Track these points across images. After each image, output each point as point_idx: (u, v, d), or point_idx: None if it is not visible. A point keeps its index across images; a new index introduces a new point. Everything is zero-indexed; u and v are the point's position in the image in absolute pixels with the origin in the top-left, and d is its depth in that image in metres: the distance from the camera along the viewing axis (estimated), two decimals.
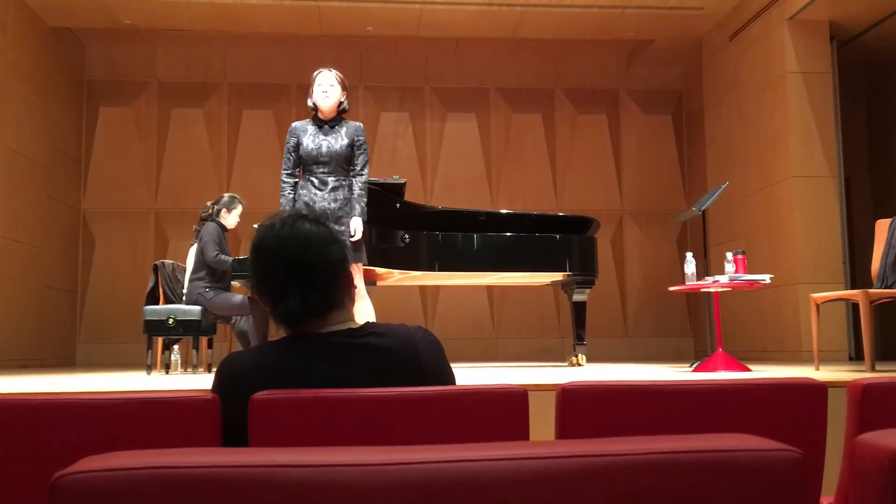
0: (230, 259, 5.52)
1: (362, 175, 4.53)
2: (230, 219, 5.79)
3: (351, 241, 4.37)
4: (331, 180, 4.47)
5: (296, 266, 1.48)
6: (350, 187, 4.51)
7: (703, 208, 5.50)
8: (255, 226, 5.53)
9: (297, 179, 4.57)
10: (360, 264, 4.55)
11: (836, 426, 1.60)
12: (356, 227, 4.45)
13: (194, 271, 5.63)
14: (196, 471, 0.71)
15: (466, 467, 0.73)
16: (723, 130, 8.67)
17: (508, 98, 9.75)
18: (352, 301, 1.55)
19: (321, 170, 4.48)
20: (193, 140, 9.38)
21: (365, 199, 4.52)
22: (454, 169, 9.58)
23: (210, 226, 5.63)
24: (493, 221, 6.24)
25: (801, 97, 7.40)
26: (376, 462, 0.72)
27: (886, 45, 8.12)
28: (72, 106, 9.00)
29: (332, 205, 4.44)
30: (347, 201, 4.48)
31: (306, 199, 4.50)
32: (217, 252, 5.51)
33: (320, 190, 4.47)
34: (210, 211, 5.79)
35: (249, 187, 8.97)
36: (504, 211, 7.05)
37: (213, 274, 5.58)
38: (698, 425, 1.47)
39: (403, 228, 5.60)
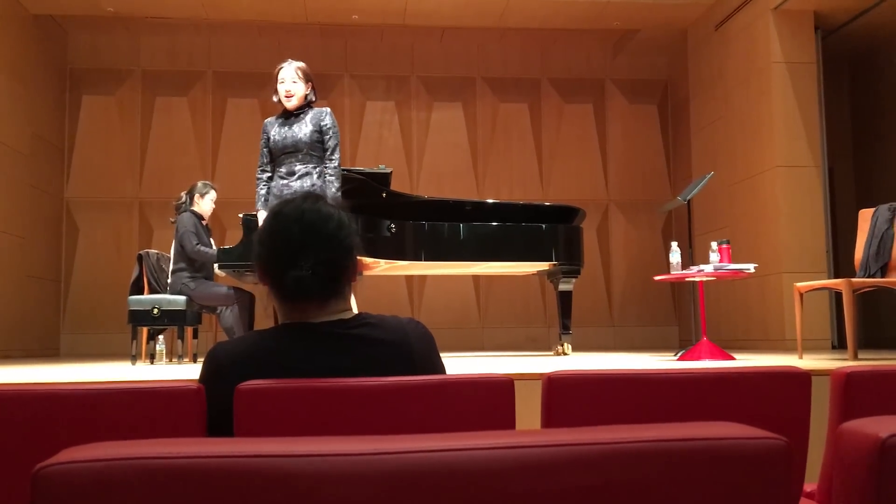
0: (212, 250, 5.49)
1: (332, 160, 4.43)
2: (204, 205, 5.77)
3: None
4: (298, 168, 4.41)
5: (312, 237, 1.46)
6: (321, 174, 4.42)
7: (688, 198, 5.52)
8: (240, 215, 5.48)
9: (270, 174, 4.53)
10: None
11: (819, 414, 1.61)
12: None
13: (175, 262, 5.61)
14: (180, 461, 0.71)
15: (453, 456, 0.73)
16: (708, 120, 8.70)
17: (495, 87, 9.74)
18: (351, 293, 1.54)
19: (288, 159, 4.43)
20: (178, 129, 9.31)
21: (336, 185, 4.43)
22: (440, 158, 9.57)
23: (185, 216, 5.61)
24: (479, 211, 6.24)
25: (785, 87, 7.43)
26: (362, 452, 0.72)
27: (871, 35, 8.16)
28: (54, 94, 8.91)
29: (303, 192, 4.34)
30: (318, 188, 4.37)
31: (276, 191, 4.47)
32: (196, 242, 5.49)
33: (287, 178, 4.42)
34: (183, 200, 5.77)
35: (234, 176, 8.92)
36: (490, 200, 7.05)
37: (193, 265, 5.56)
38: (683, 414, 1.48)
39: (389, 218, 5.58)
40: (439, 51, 9.65)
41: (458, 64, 9.70)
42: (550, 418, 1.46)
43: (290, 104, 4.46)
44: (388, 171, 5.89)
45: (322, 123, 4.44)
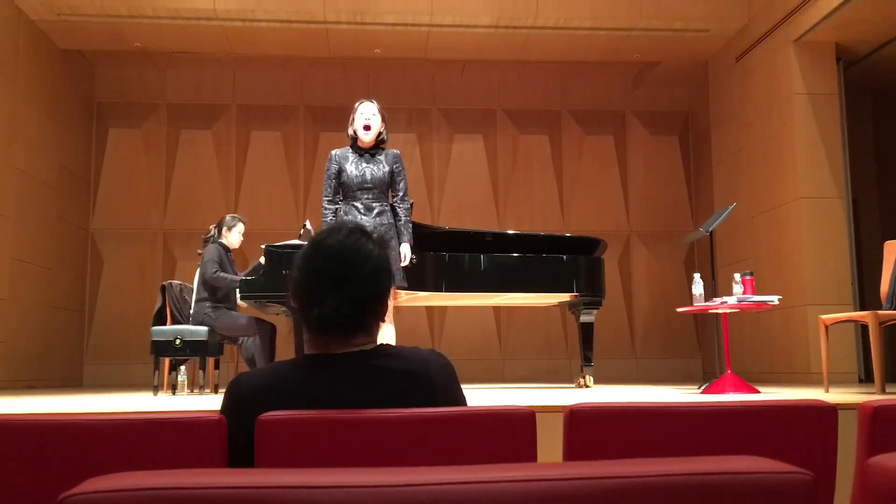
0: (232, 277, 5.54)
1: (406, 201, 4.74)
2: (232, 237, 5.83)
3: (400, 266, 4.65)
4: (376, 206, 4.65)
5: (345, 276, 1.47)
6: (390, 212, 4.69)
7: (710, 229, 5.50)
8: (263, 246, 5.55)
9: (337, 206, 4.72)
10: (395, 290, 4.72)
11: (846, 449, 1.58)
12: (406, 253, 4.70)
13: (198, 293, 5.66)
14: (201, 492, 0.71)
15: (474, 489, 0.72)
16: (730, 151, 8.67)
17: (515, 119, 9.79)
18: (378, 329, 1.55)
19: (366, 196, 4.65)
20: (202, 161, 9.43)
21: (411, 225, 4.77)
22: (461, 190, 9.60)
23: (210, 247, 5.69)
24: (500, 242, 6.24)
25: (807, 118, 7.40)
26: (383, 483, 0.72)
27: (893, 66, 8.13)
28: (81, 127, 9.06)
29: (380, 229, 4.58)
30: (392, 226, 4.66)
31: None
32: (216, 269, 5.54)
33: (366, 215, 4.62)
34: (212, 233, 5.85)
35: (257, 208, 9.01)
36: (511, 231, 7.05)
37: (215, 295, 5.59)
38: (707, 447, 1.46)
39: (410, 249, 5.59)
40: (460, 84, 9.73)
41: (479, 96, 9.77)
42: (573, 451, 1.44)
43: (367, 137, 4.69)
44: (410, 202, 5.91)
45: (396, 166, 4.72)
